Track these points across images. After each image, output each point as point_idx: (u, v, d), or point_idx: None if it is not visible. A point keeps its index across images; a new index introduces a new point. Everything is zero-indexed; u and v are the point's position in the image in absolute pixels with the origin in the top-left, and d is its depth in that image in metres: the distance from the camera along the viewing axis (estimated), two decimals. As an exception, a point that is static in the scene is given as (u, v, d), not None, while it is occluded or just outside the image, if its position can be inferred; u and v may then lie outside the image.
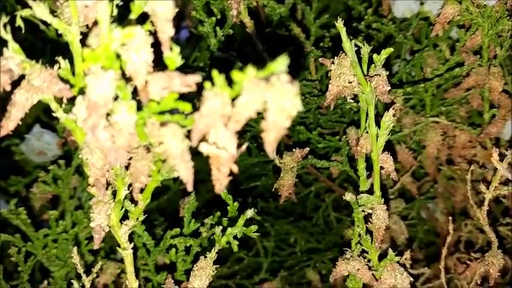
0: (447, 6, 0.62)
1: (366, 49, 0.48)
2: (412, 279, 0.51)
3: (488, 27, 0.64)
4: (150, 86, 0.31)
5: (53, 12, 0.34)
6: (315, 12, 0.77)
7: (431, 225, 0.82)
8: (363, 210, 0.51)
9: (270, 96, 0.28)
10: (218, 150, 0.30)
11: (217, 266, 0.50)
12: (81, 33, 0.34)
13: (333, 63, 0.48)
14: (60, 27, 0.34)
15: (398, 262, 0.52)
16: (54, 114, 0.35)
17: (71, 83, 0.34)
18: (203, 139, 0.30)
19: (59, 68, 0.34)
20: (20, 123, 0.34)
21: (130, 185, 0.39)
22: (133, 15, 0.32)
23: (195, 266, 0.50)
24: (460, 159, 0.75)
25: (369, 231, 0.52)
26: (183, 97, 0.32)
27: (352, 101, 0.50)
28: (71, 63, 0.34)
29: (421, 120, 0.73)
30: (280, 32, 0.77)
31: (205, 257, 0.50)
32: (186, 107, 0.31)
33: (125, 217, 0.42)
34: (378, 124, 0.49)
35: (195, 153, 0.31)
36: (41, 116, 0.82)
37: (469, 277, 0.59)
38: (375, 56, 0.48)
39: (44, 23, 0.44)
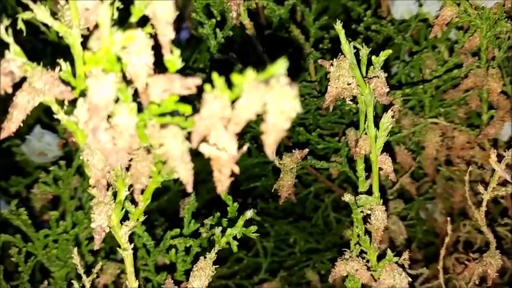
0: (445, 8, 0.62)
1: (364, 51, 0.48)
2: (410, 280, 0.51)
3: (486, 29, 0.65)
4: (151, 88, 0.31)
5: (53, 14, 0.34)
6: (314, 13, 0.77)
7: (430, 225, 0.82)
8: (362, 211, 0.51)
9: (270, 98, 0.28)
10: (219, 151, 0.30)
11: (217, 266, 0.50)
12: (82, 35, 0.34)
13: (332, 65, 0.48)
14: (61, 30, 0.34)
15: (396, 262, 0.52)
16: (55, 116, 0.35)
17: (72, 85, 0.35)
18: (204, 140, 0.30)
19: (60, 70, 0.34)
20: (21, 124, 0.34)
21: (130, 186, 0.39)
22: (133, 18, 0.33)
23: (194, 266, 0.50)
24: (458, 160, 0.75)
25: (367, 232, 0.52)
26: (183, 99, 0.32)
27: (351, 103, 0.50)
28: (72, 65, 0.35)
29: (420, 121, 0.74)
30: (280, 33, 0.77)
31: (205, 257, 0.50)
32: (186, 109, 0.32)
33: (125, 218, 0.42)
34: (376, 125, 0.50)
35: (195, 154, 0.31)
36: (42, 116, 0.83)
37: (468, 277, 0.59)
38: (373, 58, 0.49)
39: (45, 24, 0.44)
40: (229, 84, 0.29)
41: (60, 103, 0.35)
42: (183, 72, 0.32)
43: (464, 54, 0.68)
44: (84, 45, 0.33)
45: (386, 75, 0.49)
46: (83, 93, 0.34)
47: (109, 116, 0.31)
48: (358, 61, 0.48)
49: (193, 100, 0.32)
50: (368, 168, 0.52)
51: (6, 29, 0.32)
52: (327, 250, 0.87)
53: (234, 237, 0.54)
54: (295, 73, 0.77)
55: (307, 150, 0.61)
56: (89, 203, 0.71)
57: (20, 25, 0.33)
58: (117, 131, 0.31)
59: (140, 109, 0.32)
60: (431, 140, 0.72)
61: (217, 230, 0.54)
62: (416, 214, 0.82)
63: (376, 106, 0.50)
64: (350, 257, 0.52)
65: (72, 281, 0.52)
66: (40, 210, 0.77)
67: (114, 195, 0.40)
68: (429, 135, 0.72)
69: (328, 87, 0.49)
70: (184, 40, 0.94)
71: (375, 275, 0.52)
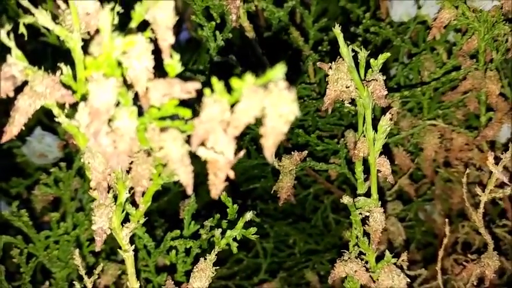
0: (444, 11, 0.63)
1: (363, 54, 0.49)
2: (409, 280, 0.51)
3: (484, 32, 0.65)
4: (151, 92, 0.32)
5: (54, 17, 0.34)
6: (313, 15, 0.78)
7: (429, 226, 0.83)
8: (361, 213, 0.52)
9: (268, 102, 0.29)
10: (216, 155, 0.30)
11: (217, 267, 0.51)
12: (83, 39, 0.35)
13: (330, 68, 0.48)
14: (62, 34, 0.34)
15: (395, 263, 0.52)
16: (56, 120, 0.36)
17: (73, 89, 0.35)
18: (202, 144, 0.31)
19: (61, 74, 0.35)
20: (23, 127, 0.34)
21: (131, 189, 0.39)
22: (134, 23, 0.33)
23: (195, 267, 0.50)
24: (457, 161, 0.75)
25: (366, 233, 0.52)
26: (183, 103, 0.32)
27: (350, 105, 0.50)
28: (72, 67, 0.35)
29: (418, 123, 0.74)
30: (279, 35, 0.78)
31: (205, 258, 0.50)
32: (186, 112, 0.32)
33: (126, 219, 0.43)
34: (375, 128, 0.50)
35: (194, 156, 0.32)
36: (42, 118, 0.83)
37: (466, 278, 0.59)
38: (372, 60, 0.49)
39: (45, 27, 0.45)
40: (229, 88, 0.29)
41: (62, 106, 0.35)
42: (183, 74, 0.32)
43: (463, 56, 0.69)
44: (85, 49, 0.33)
45: (384, 77, 0.49)
46: (83, 97, 0.34)
47: (110, 120, 0.31)
48: (357, 64, 0.48)
49: (193, 104, 0.33)
50: (366, 170, 0.53)
51: (8, 33, 0.32)
52: (326, 251, 0.87)
53: (234, 239, 0.54)
54: (294, 75, 0.77)
55: (306, 152, 0.62)
56: (90, 205, 0.72)
57: (22, 29, 0.33)
58: (118, 135, 0.31)
59: (140, 113, 0.33)
60: (429, 142, 0.73)
61: (217, 232, 0.54)
62: (414, 215, 0.82)
63: (375, 108, 0.50)
64: (349, 258, 0.52)
65: (74, 282, 0.52)
66: (41, 212, 0.77)
67: (115, 197, 0.40)
68: (428, 137, 0.73)
69: (327, 89, 0.49)
70: (184, 41, 0.94)
71: (374, 276, 0.52)
